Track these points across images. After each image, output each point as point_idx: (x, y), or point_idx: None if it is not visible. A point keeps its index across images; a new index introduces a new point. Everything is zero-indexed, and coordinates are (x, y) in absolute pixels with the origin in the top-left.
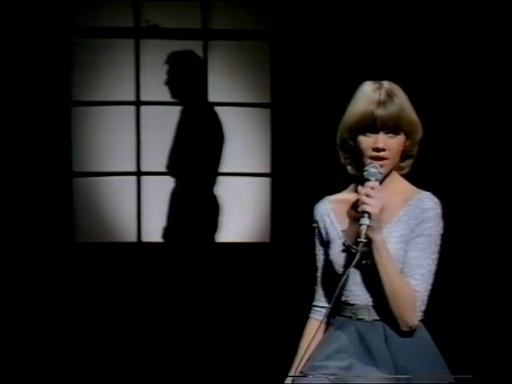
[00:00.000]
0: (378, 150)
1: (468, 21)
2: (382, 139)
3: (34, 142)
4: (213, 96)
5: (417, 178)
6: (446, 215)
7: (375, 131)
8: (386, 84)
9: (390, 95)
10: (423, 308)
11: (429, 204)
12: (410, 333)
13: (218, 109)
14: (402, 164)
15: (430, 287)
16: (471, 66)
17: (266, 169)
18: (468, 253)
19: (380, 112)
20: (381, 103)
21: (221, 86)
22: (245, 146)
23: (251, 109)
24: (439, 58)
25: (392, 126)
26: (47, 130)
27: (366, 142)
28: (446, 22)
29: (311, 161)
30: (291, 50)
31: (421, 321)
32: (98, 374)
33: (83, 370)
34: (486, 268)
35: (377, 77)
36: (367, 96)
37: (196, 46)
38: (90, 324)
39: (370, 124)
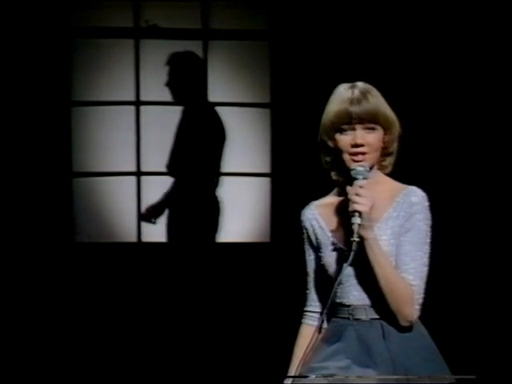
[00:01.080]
0: (356, 145)
1: (463, 23)
2: (360, 135)
3: (34, 142)
4: (213, 96)
5: (405, 174)
6: (445, 212)
7: (352, 128)
8: (360, 84)
9: (363, 93)
10: (421, 301)
11: (416, 198)
12: (408, 330)
13: (217, 109)
14: (383, 163)
15: (425, 280)
16: (461, 67)
17: (266, 169)
18: (467, 250)
19: (354, 108)
20: (354, 100)
21: (221, 86)
22: (245, 146)
23: (251, 109)
24: (437, 57)
25: (368, 120)
26: (47, 130)
27: (344, 139)
28: (444, 24)
29: (311, 161)
30: (291, 49)
31: (418, 318)
32: (98, 375)
33: (83, 370)
34: (485, 265)
35: (376, 76)
36: (340, 96)
37: (196, 46)
38: (90, 324)
39: (347, 121)
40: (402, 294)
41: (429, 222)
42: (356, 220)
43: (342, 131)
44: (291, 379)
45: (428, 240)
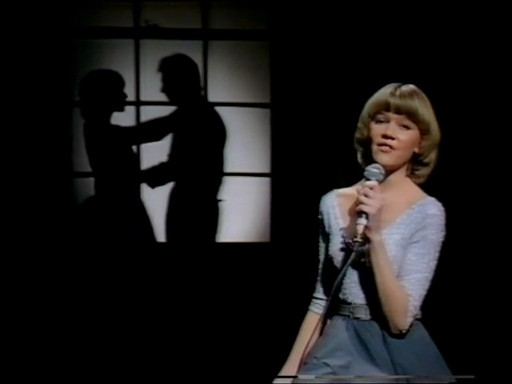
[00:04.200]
0: (386, 137)
1: (469, 24)
2: (393, 127)
3: (34, 142)
4: (213, 96)
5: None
6: (449, 217)
7: (387, 120)
8: (410, 85)
9: (409, 91)
10: (415, 313)
11: (432, 210)
12: (408, 332)
13: (217, 109)
14: (417, 172)
15: (424, 293)
16: (474, 69)
17: (266, 169)
18: (469, 251)
19: (394, 100)
20: (397, 94)
21: (221, 86)
22: (245, 146)
23: (251, 109)
24: (439, 58)
25: (405, 113)
26: (47, 130)
27: (377, 128)
28: (446, 24)
29: (311, 161)
30: (291, 49)
31: (419, 319)
32: (98, 374)
33: (83, 370)
34: (486, 268)
35: (376, 76)
36: (384, 89)
37: (196, 46)
38: (89, 324)
39: (384, 109)
40: (397, 303)
41: (441, 237)
42: (362, 221)
43: (377, 121)
44: (286, 375)
45: (437, 254)
